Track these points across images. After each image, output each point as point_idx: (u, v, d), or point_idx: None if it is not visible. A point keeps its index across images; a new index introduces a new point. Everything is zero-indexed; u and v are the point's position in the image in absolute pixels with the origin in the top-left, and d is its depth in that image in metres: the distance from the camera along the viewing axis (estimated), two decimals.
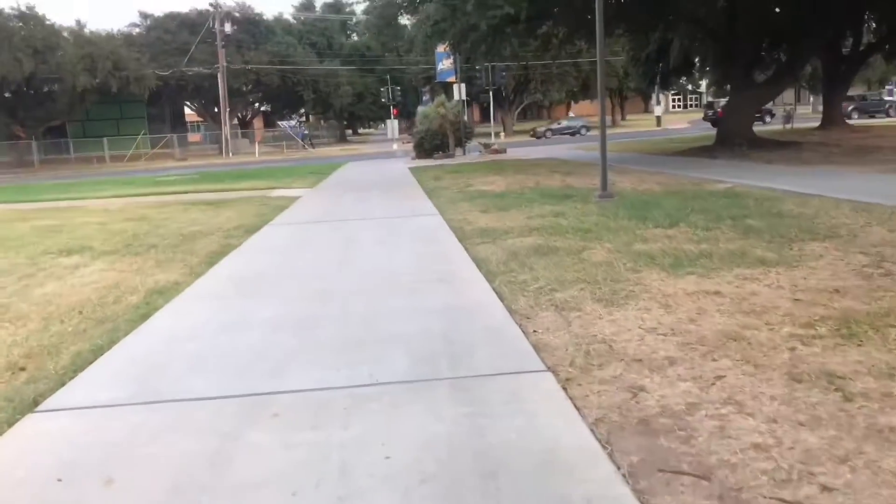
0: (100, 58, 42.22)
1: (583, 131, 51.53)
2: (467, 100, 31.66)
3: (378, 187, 16.29)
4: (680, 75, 34.70)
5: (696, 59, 32.51)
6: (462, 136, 29.02)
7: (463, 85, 29.27)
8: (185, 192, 17.44)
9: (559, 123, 54.72)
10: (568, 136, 49.16)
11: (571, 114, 55.04)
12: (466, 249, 7.47)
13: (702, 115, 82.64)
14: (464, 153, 29.12)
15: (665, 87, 38.01)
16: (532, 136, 51.02)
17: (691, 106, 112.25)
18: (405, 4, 17.42)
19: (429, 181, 16.96)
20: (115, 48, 43.97)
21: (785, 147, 19.87)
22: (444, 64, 29.47)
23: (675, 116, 76.31)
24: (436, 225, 9.53)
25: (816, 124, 32.14)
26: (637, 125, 62.23)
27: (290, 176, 22.41)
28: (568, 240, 7.62)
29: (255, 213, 12.19)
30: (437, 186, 15.35)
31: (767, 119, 55.68)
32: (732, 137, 20.10)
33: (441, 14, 18.63)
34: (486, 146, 30.08)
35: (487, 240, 8.01)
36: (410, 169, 22.44)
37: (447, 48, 27.88)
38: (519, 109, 67.14)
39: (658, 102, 58.92)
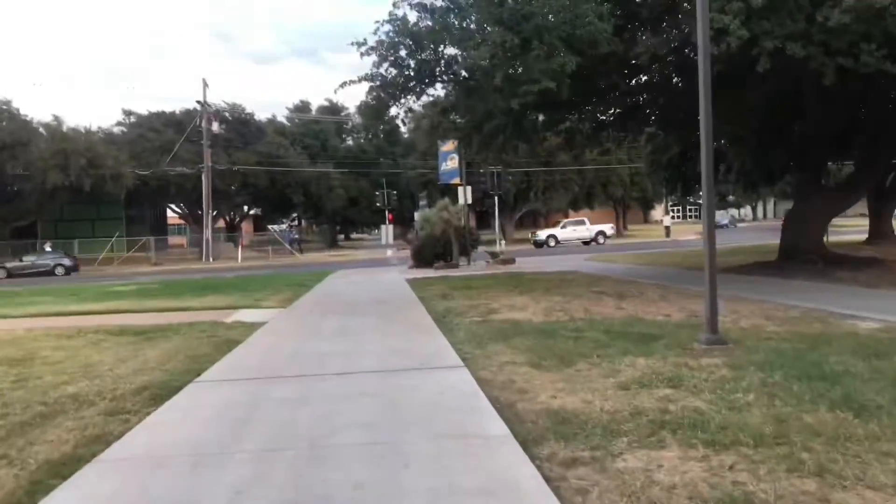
0: (74, 154, 39.34)
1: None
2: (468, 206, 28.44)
3: (370, 310, 12.52)
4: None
5: (725, 165, 29.65)
6: (468, 243, 25.58)
7: (469, 188, 26.09)
8: (122, 312, 13.61)
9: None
10: (574, 246, 44.52)
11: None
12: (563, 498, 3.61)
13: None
14: (468, 263, 25.59)
15: (687, 193, 35.03)
16: (533, 244, 46.87)
17: (690, 217, 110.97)
18: (408, 85, 14.14)
19: (436, 301, 13.23)
20: (91, 145, 41.15)
21: (866, 264, 16.36)
22: (448, 164, 26.33)
23: (678, 228, 73.54)
24: (466, 394, 5.71)
25: (857, 237, 29.07)
26: (642, 235, 59.52)
27: (266, 288, 18.67)
28: (755, 464, 3.81)
29: (189, 352, 8.34)
30: (450, 309, 11.60)
31: None
32: (801, 252, 16.65)
33: (455, 97, 15.46)
34: (494, 255, 26.61)
35: (582, 449, 4.19)
36: (409, 281, 18.78)
37: (453, 145, 24.88)
38: (517, 217, 64.55)
39: (667, 212, 56.27)
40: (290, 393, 6.00)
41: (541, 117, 19.16)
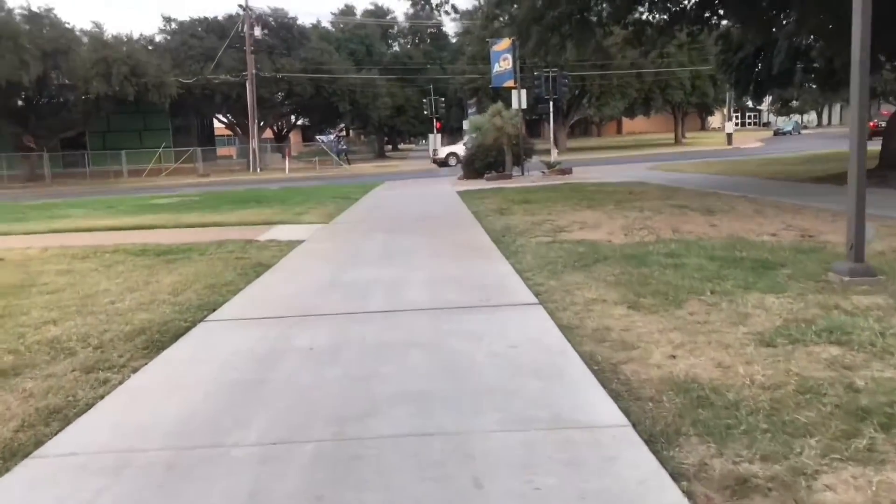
0: (116, 62, 38.04)
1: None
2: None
3: (419, 227, 11.12)
4: (781, 84, 28.81)
5: (803, 64, 26.76)
6: (521, 152, 23.76)
7: (524, 91, 24.04)
8: (153, 228, 12.50)
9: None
10: (624, 160, 37.34)
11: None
12: None
13: (768, 133, 76.46)
14: (522, 174, 23.86)
15: (760, 97, 32.07)
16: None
17: (750, 124, 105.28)
18: None
19: (492, 216, 11.74)
20: (133, 52, 39.77)
21: None
22: (501, 65, 24.21)
23: (738, 135, 69.75)
24: (549, 349, 4.29)
25: None
26: (701, 143, 56.29)
27: (308, 200, 17.42)
28: None
29: (209, 279, 7.09)
30: (510, 227, 10.11)
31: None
32: None
33: None
34: (550, 165, 24.75)
35: (746, 458, 2.73)
36: (460, 194, 17.28)
37: (507, 44, 22.72)
38: (569, 125, 61.62)
39: (730, 118, 52.74)
40: (321, 341, 4.66)
41: (607, 8, 16.99)
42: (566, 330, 4.66)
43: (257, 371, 4.11)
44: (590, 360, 4.01)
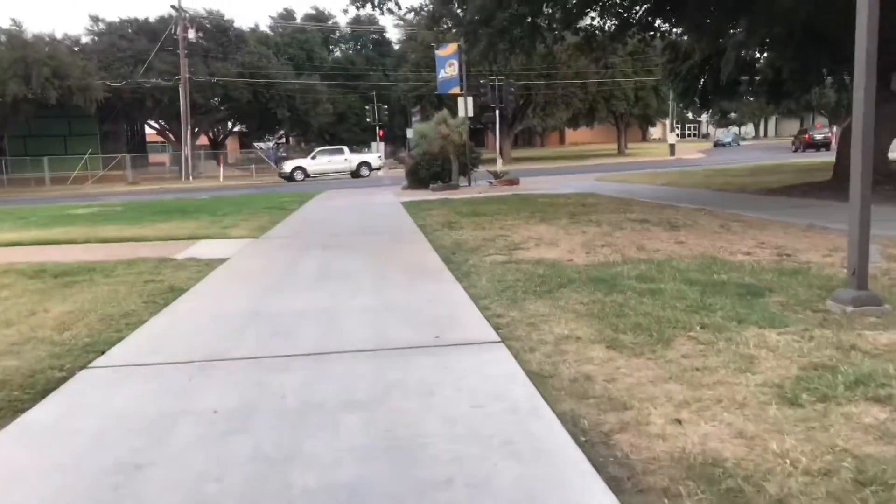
0: (36, 63, 35.85)
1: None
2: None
3: (360, 242, 10.14)
4: (727, 94, 28.80)
5: (749, 75, 26.81)
6: (468, 161, 22.98)
7: (470, 99, 23.26)
8: (60, 243, 11.18)
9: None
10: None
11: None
12: None
13: (708, 144, 77.75)
14: (468, 184, 23.09)
15: (706, 107, 32.03)
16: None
17: (690, 136, 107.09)
18: None
19: (440, 231, 10.85)
20: (55, 53, 37.59)
21: None
22: (447, 71, 23.42)
23: (679, 146, 70.87)
24: (519, 410, 3.38)
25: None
26: (644, 154, 56.71)
27: (240, 211, 16.24)
28: None
29: (108, 308, 5.98)
30: (460, 243, 9.22)
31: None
32: None
33: None
34: (497, 175, 24.06)
35: None
36: (405, 205, 16.36)
37: (453, 49, 21.92)
38: (513, 135, 61.34)
39: (672, 129, 53.25)
40: (229, 400, 3.66)
41: (558, 11, 16.37)
42: (538, 379, 3.78)
43: (138, 449, 3.09)
44: (573, 427, 3.14)
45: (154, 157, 60.36)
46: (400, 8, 13.76)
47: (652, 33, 18.53)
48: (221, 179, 41.81)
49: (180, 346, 4.76)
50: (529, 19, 15.02)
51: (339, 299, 6.09)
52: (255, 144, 66.38)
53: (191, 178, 43.21)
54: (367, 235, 11.07)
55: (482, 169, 25.25)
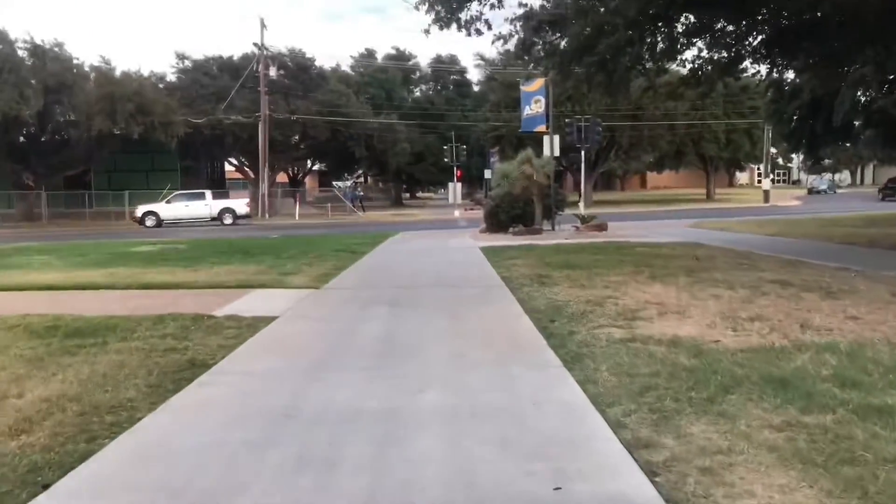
0: (121, 99, 36.18)
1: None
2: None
3: (436, 298, 8.46)
4: (841, 137, 26.18)
5: (864, 116, 24.22)
6: (553, 204, 21.19)
7: (556, 137, 21.56)
8: (100, 289, 9.95)
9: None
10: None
11: (205, 192, 39.20)
12: None
13: (801, 190, 73.21)
14: (552, 228, 21.26)
15: (815, 151, 29.15)
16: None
17: (778, 182, 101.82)
18: None
19: (530, 286, 9.06)
20: (140, 89, 37.99)
21: None
22: (532, 108, 21.86)
23: (772, 193, 67.08)
24: None
25: None
26: (734, 199, 53.48)
27: (306, 254, 14.86)
28: None
29: (103, 392, 4.45)
30: (557, 306, 7.41)
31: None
32: None
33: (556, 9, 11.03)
34: (584, 219, 22.13)
35: None
36: (484, 251, 14.67)
37: (539, 84, 20.34)
38: (594, 178, 59.15)
39: (767, 174, 50.00)
40: None
41: (664, 41, 14.60)
42: None
43: None
44: None
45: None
46: (490, 28, 12.10)
47: (770, 67, 16.39)
48: (297, 218, 41.23)
49: (164, 480, 3.12)
50: (631, 49, 13.29)
51: (403, 391, 4.40)
52: (334, 183, 66.45)
53: (266, 215, 42.82)
54: (441, 288, 9.40)
55: (567, 212, 23.40)
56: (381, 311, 7.57)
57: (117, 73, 40.27)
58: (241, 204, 38.90)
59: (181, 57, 46.25)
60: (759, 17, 13.26)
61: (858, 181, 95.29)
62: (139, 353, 5.65)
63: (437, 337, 6.13)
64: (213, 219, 36.88)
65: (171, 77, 46.74)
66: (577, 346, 5.55)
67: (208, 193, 39.06)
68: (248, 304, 8.21)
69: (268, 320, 7.03)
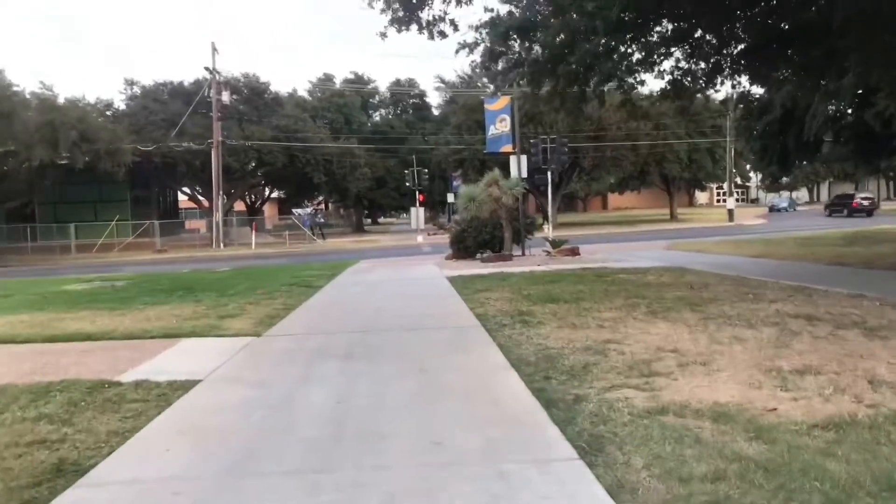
0: (63, 127, 34.16)
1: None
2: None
3: (401, 346, 7.02)
4: (811, 152, 25.46)
5: (842, 130, 23.58)
6: (522, 228, 19.93)
7: (524, 157, 20.37)
8: (7, 343, 8.30)
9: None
10: (624, 237, 33.86)
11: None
12: None
13: (762, 209, 73.49)
14: (522, 253, 19.99)
15: (785, 168, 28.39)
16: None
17: (738, 200, 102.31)
18: None
19: (513, 328, 7.66)
20: (84, 116, 36.00)
21: None
22: (497, 127, 20.65)
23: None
24: None
25: None
26: (698, 219, 53.06)
27: (254, 289, 13.32)
28: None
29: None
30: (550, 356, 6.02)
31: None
32: None
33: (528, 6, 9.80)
34: (555, 244, 20.89)
35: None
36: (452, 281, 13.30)
37: (504, 102, 19.16)
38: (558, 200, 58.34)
39: (731, 193, 49.71)
40: None
41: (639, 50, 13.53)
42: None
43: None
44: None
45: (191, 223, 58.72)
46: (457, 29, 10.82)
47: (750, 78, 15.43)
48: (254, 247, 39.41)
49: None
50: (607, 59, 12.15)
51: None
52: (293, 210, 64.53)
53: (222, 245, 40.87)
54: (405, 332, 7.95)
55: (537, 235, 22.19)
56: (332, 369, 6.11)
57: (60, 99, 38.27)
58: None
59: (130, 83, 44.32)
60: (744, 21, 12.20)
61: (816, 198, 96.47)
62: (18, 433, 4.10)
63: (402, 410, 4.69)
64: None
65: (120, 104, 44.80)
66: (589, 421, 4.17)
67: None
68: (169, 361, 6.66)
69: (186, 387, 5.51)
